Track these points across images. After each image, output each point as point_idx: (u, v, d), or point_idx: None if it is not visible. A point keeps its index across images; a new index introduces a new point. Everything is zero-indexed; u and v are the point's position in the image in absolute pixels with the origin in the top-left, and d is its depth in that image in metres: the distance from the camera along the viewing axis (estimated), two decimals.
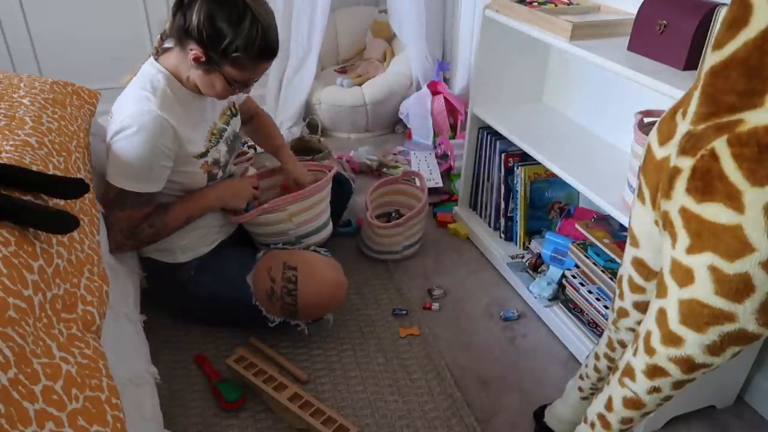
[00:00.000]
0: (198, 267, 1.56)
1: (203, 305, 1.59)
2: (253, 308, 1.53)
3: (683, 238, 0.82)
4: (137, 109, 1.33)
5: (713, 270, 0.79)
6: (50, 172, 1.16)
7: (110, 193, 1.37)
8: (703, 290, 0.82)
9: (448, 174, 2.56)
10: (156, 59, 1.42)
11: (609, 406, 1.06)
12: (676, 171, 0.82)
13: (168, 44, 1.42)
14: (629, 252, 1.05)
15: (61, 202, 1.11)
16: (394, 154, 2.74)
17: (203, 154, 1.47)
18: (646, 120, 1.41)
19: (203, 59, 1.31)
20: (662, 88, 1.20)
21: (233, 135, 1.61)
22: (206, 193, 1.51)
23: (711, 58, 0.78)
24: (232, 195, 1.56)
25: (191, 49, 1.31)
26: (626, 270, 1.07)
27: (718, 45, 0.77)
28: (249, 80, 1.39)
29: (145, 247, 1.48)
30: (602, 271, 1.57)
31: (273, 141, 1.81)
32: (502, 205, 2.01)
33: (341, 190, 1.95)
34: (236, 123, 1.64)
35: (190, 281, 1.55)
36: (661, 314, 0.90)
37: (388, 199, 2.19)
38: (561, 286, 1.76)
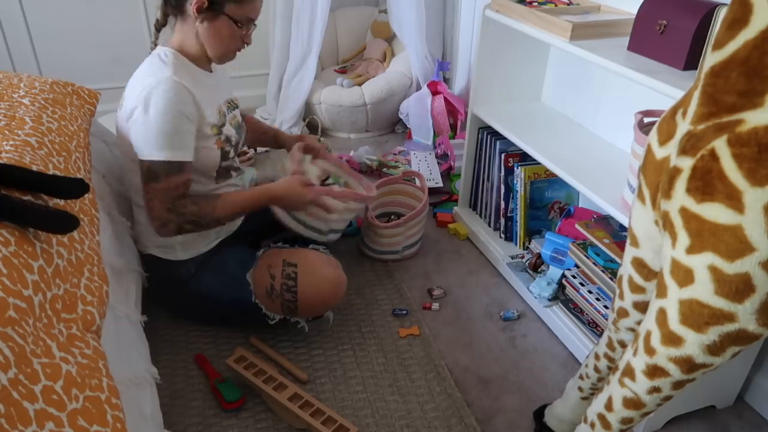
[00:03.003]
0: (198, 265, 1.56)
1: (203, 303, 1.59)
2: (253, 306, 1.53)
3: (683, 238, 0.82)
4: (152, 80, 1.34)
5: (713, 270, 0.79)
6: (50, 172, 1.16)
7: (143, 171, 1.37)
8: (703, 290, 0.82)
9: (448, 174, 2.56)
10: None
11: (609, 406, 1.06)
12: (676, 171, 0.82)
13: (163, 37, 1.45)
14: (629, 252, 1.05)
15: (61, 202, 1.11)
16: (394, 154, 2.74)
17: (218, 128, 1.47)
18: (646, 120, 1.41)
19: (206, 4, 1.35)
20: (662, 88, 1.20)
21: (238, 124, 1.61)
22: (267, 188, 1.50)
23: (711, 58, 0.78)
24: (291, 197, 1.51)
25: (194, 2, 1.35)
26: (626, 270, 1.07)
27: (718, 45, 0.77)
28: (250, 19, 1.42)
29: (189, 227, 1.43)
30: (602, 271, 1.57)
31: (268, 132, 1.85)
32: (502, 205, 2.01)
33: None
34: (238, 114, 1.64)
35: (191, 279, 1.55)
36: (661, 314, 0.90)
37: (389, 199, 2.19)
38: (561, 286, 1.76)
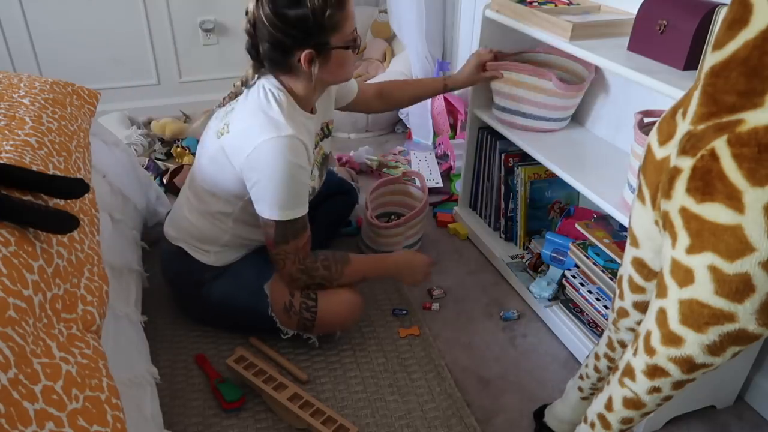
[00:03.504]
0: (217, 270, 1.55)
1: (215, 307, 1.57)
2: (267, 318, 1.53)
3: (683, 238, 0.82)
4: (267, 139, 1.29)
5: (713, 270, 0.79)
6: (50, 172, 1.16)
7: (268, 229, 1.38)
8: (703, 290, 0.82)
9: (448, 174, 2.56)
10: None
11: (609, 406, 1.06)
12: (676, 171, 0.82)
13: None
14: (629, 252, 1.05)
15: (62, 202, 1.11)
16: (394, 154, 2.74)
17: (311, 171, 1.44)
18: (646, 120, 1.41)
19: (313, 51, 1.30)
20: (662, 88, 1.20)
21: (323, 157, 1.59)
22: (387, 258, 1.57)
23: (711, 58, 0.78)
24: (409, 269, 1.58)
25: (299, 59, 1.30)
26: (626, 270, 1.07)
27: (718, 45, 0.77)
28: (353, 31, 1.35)
29: (315, 287, 1.48)
30: (602, 271, 1.57)
31: (426, 85, 1.85)
32: (502, 205, 2.01)
33: (346, 199, 1.98)
34: (327, 144, 1.62)
35: (206, 282, 1.55)
36: (661, 314, 0.90)
37: (389, 199, 2.19)
38: (561, 286, 1.76)
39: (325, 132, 1.60)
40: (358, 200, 2.02)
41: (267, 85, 1.37)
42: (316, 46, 1.30)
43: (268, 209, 1.36)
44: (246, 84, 1.41)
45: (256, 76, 1.41)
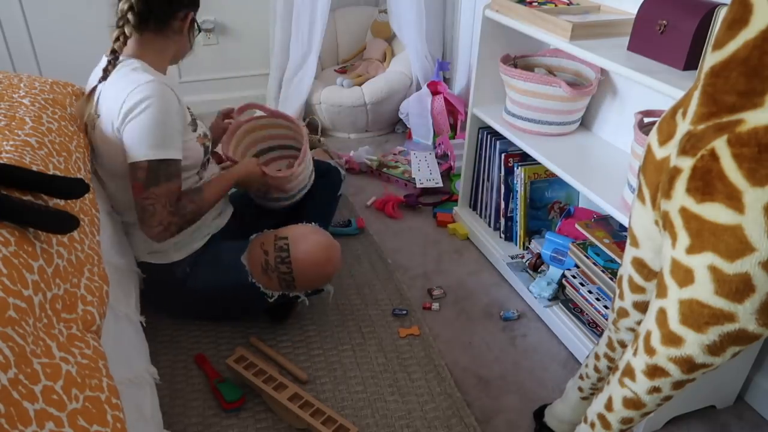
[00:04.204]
0: (193, 262, 1.56)
1: (203, 298, 1.58)
2: (251, 287, 1.53)
3: (683, 238, 0.82)
4: (139, 85, 1.34)
5: (713, 270, 0.79)
6: (50, 172, 1.16)
7: (139, 173, 1.36)
8: (703, 290, 0.82)
9: (448, 174, 2.56)
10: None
11: (609, 406, 1.06)
12: (676, 171, 0.82)
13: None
14: (629, 252, 1.05)
15: (61, 202, 1.11)
16: (394, 154, 2.74)
17: (194, 125, 1.51)
18: (646, 120, 1.42)
19: (193, 15, 1.45)
20: (662, 88, 1.20)
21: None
22: (231, 171, 1.60)
23: (711, 58, 0.78)
24: (247, 177, 1.63)
25: (181, 19, 1.43)
26: (626, 270, 1.07)
27: (718, 45, 0.77)
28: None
29: (187, 226, 1.46)
30: (602, 271, 1.57)
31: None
32: (502, 205, 2.01)
33: (330, 180, 1.91)
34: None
35: (188, 277, 1.55)
36: (661, 314, 0.90)
37: (263, 134, 2.01)
38: (561, 286, 1.76)
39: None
40: (343, 178, 1.96)
41: (124, 63, 1.42)
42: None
43: (139, 150, 1.35)
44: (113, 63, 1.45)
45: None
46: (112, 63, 1.42)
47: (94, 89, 1.44)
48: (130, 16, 1.38)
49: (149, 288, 1.58)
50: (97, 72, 1.47)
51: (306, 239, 1.52)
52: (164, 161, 1.35)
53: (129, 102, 1.34)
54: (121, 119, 1.35)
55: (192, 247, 1.56)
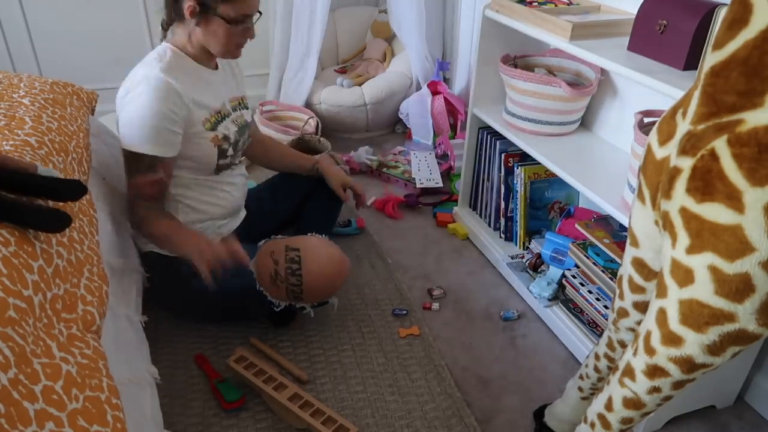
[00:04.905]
0: None
1: (207, 299, 1.57)
2: (257, 294, 1.52)
3: (683, 238, 0.82)
4: (141, 73, 1.39)
5: (713, 270, 0.79)
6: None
7: (125, 161, 1.42)
8: (703, 290, 0.82)
9: (448, 174, 2.56)
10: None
11: (609, 406, 1.06)
12: (676, 171, 0.82)
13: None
14: (629, 252, 1.05)
15: (60, 204, 1.10)
16: (394, 154, 2.74)
17: (213, 125, 1.50)
18: (646, 120, 1.41)
19: (198, 8, 1.37)
20: (662, 88, 1.20)
21: (244, 122, 1.64)
22: (191, 234, 1.46)
23: (711, 58, 0.78)
24: (197, 250, 1.39)
25: (186, 7, 1.38)
26: (626, 270, 1.07)
27: (718, 45, 0.77)
28: (246, 16, 1.42)
29: (135, 232, 1.51)
30: (602, 271, 1.57)
31: (300, 159, 1.88)
32: (502, 205, 2.01)
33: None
34: (247, 115, 1.69)
35: (194, 276, 1.54)
36: (661, 314, 0.90)
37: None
38: (561, 286, 1.76)
39: (243, 103, 1.68)
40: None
41: (159, 47, 1.46)
42: (204, 5, 1.37)
43: (122, 138, 1.41)
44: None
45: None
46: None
47: None
48: (164, 2, 1.45)
49: (154, 282, 1.58)
50: None
51: (318, 253, 1.51)
52: (137, 155, 1.39)
53: (120, 92, 1.41)
54: (117, 109, 1.42)
55: None
